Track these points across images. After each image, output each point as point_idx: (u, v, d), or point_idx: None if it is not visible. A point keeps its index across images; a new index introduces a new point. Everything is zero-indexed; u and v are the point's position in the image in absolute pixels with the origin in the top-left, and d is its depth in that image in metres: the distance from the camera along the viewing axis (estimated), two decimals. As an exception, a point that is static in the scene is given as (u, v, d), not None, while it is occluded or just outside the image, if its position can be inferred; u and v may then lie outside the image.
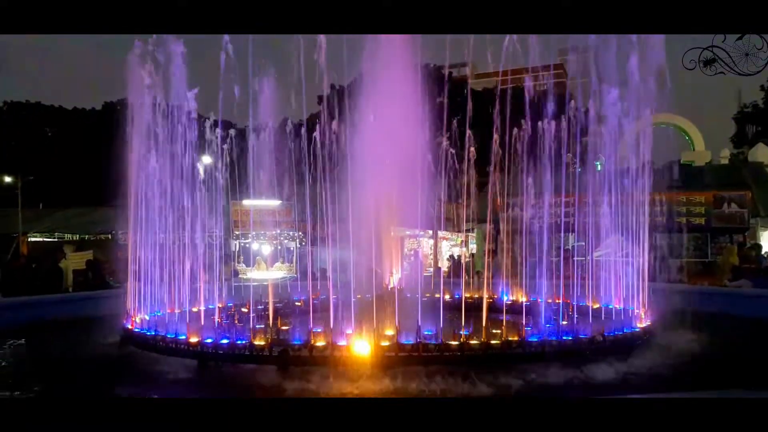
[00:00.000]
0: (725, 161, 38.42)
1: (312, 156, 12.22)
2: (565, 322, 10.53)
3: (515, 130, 12.79)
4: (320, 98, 12.23)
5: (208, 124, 12.97)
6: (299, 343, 8.97)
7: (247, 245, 31.06)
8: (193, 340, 9.48)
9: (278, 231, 29.21)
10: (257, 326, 9.82)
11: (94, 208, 38.19)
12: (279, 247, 30.95)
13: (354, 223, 10.89)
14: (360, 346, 8.73)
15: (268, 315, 10.42)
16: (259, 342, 9.07)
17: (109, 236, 32.92)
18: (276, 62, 12.59)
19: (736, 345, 10.46)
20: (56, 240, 36.78)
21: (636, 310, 11.46)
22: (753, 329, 11.68)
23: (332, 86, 12.09)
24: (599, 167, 13.26)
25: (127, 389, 8.33)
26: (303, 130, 13.19)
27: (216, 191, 13.46)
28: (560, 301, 12.34)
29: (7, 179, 49.46)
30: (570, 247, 16.85)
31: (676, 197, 24.69)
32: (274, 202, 27.25)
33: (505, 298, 12.77)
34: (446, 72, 12.99)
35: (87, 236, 35.91)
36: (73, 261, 23.61)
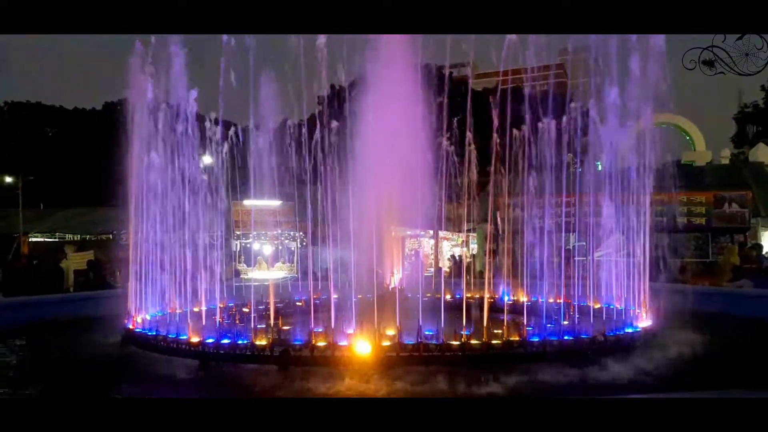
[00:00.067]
0: (726, 161, 38.37)
1: (312, 156, 12.22)
2: (566, 322, 10.54)
3: (515, 130, 12.79)
4: (320, 98, 12.21)
5: (208, 124, 12.96)
6: (300, 343, 8.98)
7: (248, 245, 31.09)
8: (195, 340, 9.49)
9: (279, 231, 29.23)
10: (258, 326, 9.84)
11: (94, 208, 38.18)
12: (280, 247, 30.98)
13: (355, 223, 10.90)
14: (361, 346, 8.74)
15: (269, 315, 10.43)
16: (260, 342, 9.08)
17: (110, 236, 32.94)
18: (276, 62, 12.59)
19: (736, 345, 10.45)
20: (57, 240, 36.77)
21: (637, 310, 11.46)
22: (754, 329, 11.66)
23: (332, 86, 12.08)
24: (600, 167, 13.25)
25: (128, 389, 8.33)
26: (304, 130, 13.18)
27: (217, 191, 13.46)
28: (561, 301, 12.34)
29: (8, 179, 49.49)
30: (571, 247, 16.85)
31: (677, 197, 24.64)
32: (275, 202, 27.26)
33: (506, 298, 12.77)
34: (446, 72, 12.97)
35: (88, 236, 35.92)
36: (74, 261, 23.61)
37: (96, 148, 43.32)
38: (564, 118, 12.49)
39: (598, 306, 12.17)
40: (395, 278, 12.96)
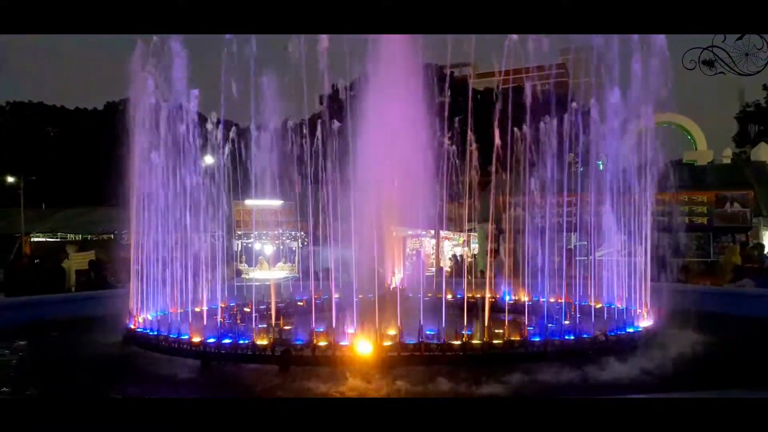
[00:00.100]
0: (727, 161, 38.32)
1: (314, 156, 12.23)
2: (567, 322, 10.54)
3: (517, 129, 12.79)
4: (321, 98, 12.21)
5: (209, 123, 12.96)
6: (301, 343, 8.98)
7: (250, 245, 31.08)
8: (196, 339, 9.50)
9: (280, 231, 29.23)
10: (259, 326, 9.85)
11: (96, 208, 38.25)
12: (281, 247, 30.97)
13: (356, 222, 10.90)
14: (362, 345, 8.74)
15: (270, 315, 10.44)
16: (261, 342, 9.09)
17: (112, 236, 32.96)
18: (277, 62, 12.59)
19: (737, 345, 10.45)
20: (59, 240, 36.80)
21: (638, 310, 11.46)
22: (755, 329, 11.66)
23: (333, 86, 12.08)
24: (601, 167, 13.25)
25: (129, 389, 8.34)
26: (304, 130, 13.18)
27: (218, 191, 13.46)
28: (562, 300, 12.35)
29: (10, 179, 49.54)
30: (572, 247, 16.84)
31: (678, 197, 24.63)
32: (276, 202, 27.25)
33: (507, 297, 12.78)
34: (447, 72, 12.98)
35: (89, 236, 35.95)
36: (76, 261, 23.61)
37: (97, 148, 43.41)
38: (565, 118, 12.49)
39: (599, 306, 12.16)
40: (396, 278, 12.95)
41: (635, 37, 11.23)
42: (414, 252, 23.52)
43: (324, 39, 10.71)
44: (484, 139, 12.02)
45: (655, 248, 12.24)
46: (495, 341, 9.02)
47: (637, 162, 12.10)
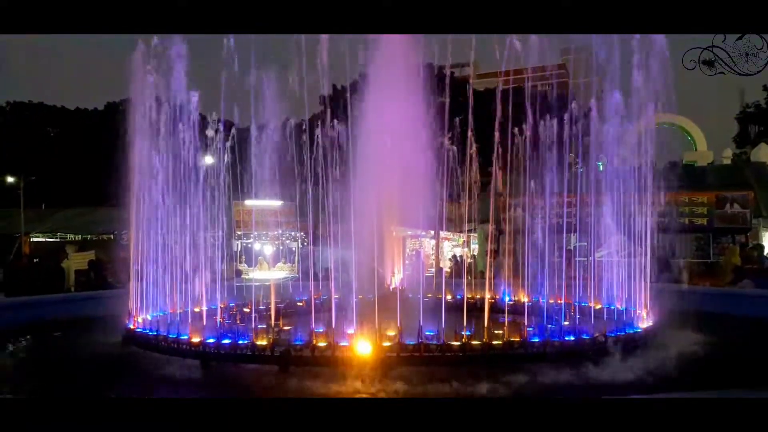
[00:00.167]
0: (728, 161, 38.37)
1: (314, 156, 12.23)
2: (567, 323, 10.53)
3: (517, 130, 12.80)
4: (322, 98, 12.21)
5: (210, 123, 12.96)
6: (301, 343, 8.98)
7: (249, 245, 31.10)
8: (195, 340, 9.50)
9: (280, 231, 29.23)
10: (259, 326, 9.85)
11: (95, 208, 38.24)
12: (281, 248, 30.98)
13: (356, 223, 10.90)
14: (362, 346, 8.73)
15: (270, 315, 10.44)
16: (260, 342, 9.08)
17: (111, 236, 32.98)
18: (277, 62, 12.61)
19: (736, 345, 10.45)
20: (58, 240, 36.81)
21: (638, 311, 11.46)
22: (754, 329, 11.66)
23: (334, 86, 12.09)
24: (601, 167, 13.26)
25: (129, 389, 8.34)
26: (305, 130, 13.18)
27: (218, 191, 13.46)
28: (562, 301, 12.34)
29: (10, 179, 49.52)
30: (572, 248, 16.85)
31: (679, 197, 24.65)
32: (276, 202, 27.26)
33: (507, 298, 12.78)
34: (448, 72, 12.98)
35: (89, 236, 35.96)
36: (76, 261, 23.63)
37: (97, 148, 43.34)
38: (566, 118, 12.49)
39: (599, 306, 12.16)
40: (396, 278, 12.96)
41: (635, 37, 11.23)
42: (414, 252, 23.54)
43: (324, 39, 10.72)
44: (484, 140, 12.03)
45: (655, 249, 12.23)
46: (494, 342, 9.02)
47: (637, 163, 12.10)
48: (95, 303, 14.65)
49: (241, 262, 29.66)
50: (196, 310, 11.65)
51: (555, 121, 12.54)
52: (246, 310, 12.35)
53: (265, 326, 9.88)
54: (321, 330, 9.30)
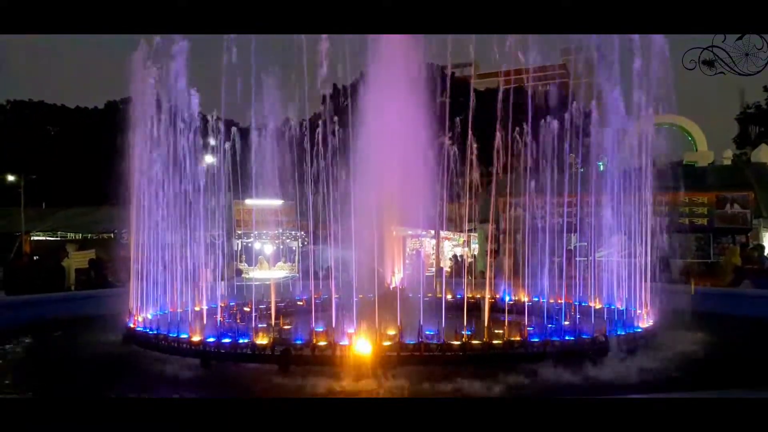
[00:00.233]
0: (728, 162, 38.31)
1: (314, 155, 12.23)
2: (567, 323, 10.53)
3: (518, 130, 12.79)
4: (323, 97, 12.21)
5: (210, 123, 12.96)
6: (301, 343, 8.98)
7: (250, 244, 31.12)
8: (196, 339, 9.50)
9: (280, 230, 29.25)
10: (259, 325, 9.84)
11: (96, 207, 38.22)
12: (281, 247, 31.00)
13: (356, 222, 10.90)
14: (362, 345, 8.73)
15: (270, 314, 10.43)
16: (261, 341, 9.08)
17: (112, 235, 32.99)
18: (278, 62, 12.60)
19: (736, 345, 10.46)
20: (59, 239, 36.83)
21: (638, 311, 11.45)
22: (754, 329, 11.67)
23: (335, 86, 12.08)
24: (602, 167, 13.26)
25: (129, 388, 8.34)
26: (305, 129, 13.18)
27: (218, 190, 13.47)
28: (562, 301, 12.34)
29: (10, 178, 49.55)
30: (572, 248, 16.84)
31: (679, 198, 24.65)
32: (277, 202, 27.28)
33: (507, 298, 12.77)
34: (448, 72, 12.99)
35: (89, 235, 36.00)
36: (76, 260, 23.64)
37: (98, 147, 43.39)
38: (566, 118, 12.49)
39: (599, 306, 12.16)
40: (396, 278, 12.96)
41: (635, 37, 11.22)
42: (414, 252, 23.54)
43: (324, 39, 10.72)
44: (484, 140, 12.03)
45: (655, 249, 12.23)
46: (495, 341, 9.02)
47: (638, 163, 12.10)
48: (95, 302, 14.67)
49: (241, 262, 29.69)
50: (197, 309, 11.64)
51: (555, 121, 12.53)
52: (246, 309, 12.35)
53: (265, 325, 9.87)
54: (321, 329, 9.31)
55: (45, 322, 12.76)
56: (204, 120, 12.50)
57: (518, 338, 9.15)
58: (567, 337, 9.44)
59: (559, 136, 12.45)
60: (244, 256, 30.52)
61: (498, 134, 11.62)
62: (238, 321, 10.81)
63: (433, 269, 20.42)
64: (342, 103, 11.81)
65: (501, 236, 18.99)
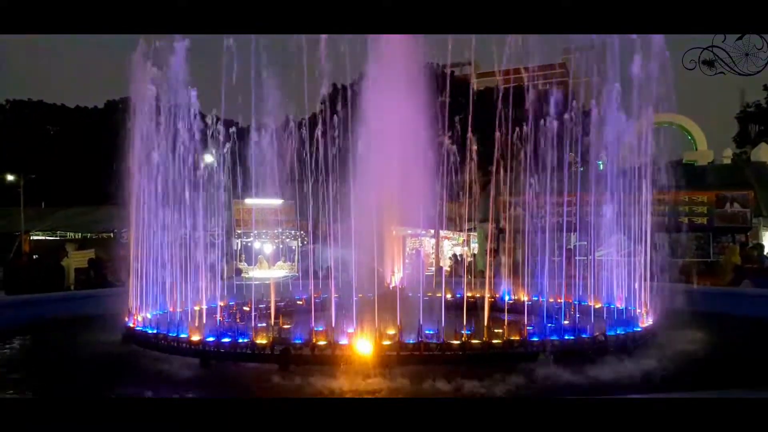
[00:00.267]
0: (728, 161, 38.36)
1: (314, 155, 12.22)
2: (566, 322, 10.53)
3: (517, 129, 12.80)
4: (322, 97, 12.21)
5: (210, 122, 12.96)
6: (301, 342, 8.98)
7: (249, 244, 31.11)
8: (195, 338, 9.49)
9: (280, 230, 29.25)
10: (259, 325, 9.84)
11: (96, 206, 38.21)
12: (281, 246, 31.00)
13: (356, 222, 10.90)
14: (361, 345, 8.73)
15: (269, 314, 10.43)
16: (260, 341, 9.08)
17: (111, 235, 33.00)
18: (278, 61, 12.59)
19: (736, 345, 10.46)
20: (58, 238, 36.83)
21: (638, 310, 11.46)
22: (754, 329, 11.67)
23: (334, 85, 12.08)
24: (601, 166, 13.25)
25: (129, 388, 8.35)
26: (305, 129, 13.18)
27: (218, 190, 13.47)
28: (562, 300, 12.34)
29: (10, 178, 49.55)
30: (572, 247, 16.84)
31: (679, 197, 24.67)
32: (276, 201, 27.28)
33: (506, 297, 12.77)
34: (448, 71, 12.98)
35: (89, 235, 36.00)
36: (75, 259, 23.66)
37: (97, 147, 43.39)
38: (566, 117, 12.49)
39: (598, 305, 12.16)
40: (396, 277, 12.95)
41: (635, 37, 11.22)
42: (414, 251, 23.53)
43: (324, 39, 10.72)
44: (484, 139, 12.03)
45: (655, 248, 12.23)
46: (494, 341, 9.02)
47: (638, 162, 12.10)
48: (95, 301, 14.68)
49: (240, 261, 29.69)
50: (196, 308, 11.64)
51: (555, 121, 12.52)
52: (246, 308, 12.35)
53: (264, 325, 9.87)
54: (321, 329, 9.31)
55: (44, 321, 12.75)
56: (203, 120, 12.50)
57: (518, 338, 9.15)
58: (567, 337, 9.44)
59: (559, 135, 12.45)
60: (243, 256, 30.52)
61: (497, 133, 11.62)
62: (238, 320, 10.81)
63: (433, 269, 20.43)
64: (341, 102, 11.81)
65: (500, 235, 19.01)
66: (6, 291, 17.61)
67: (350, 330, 9.15)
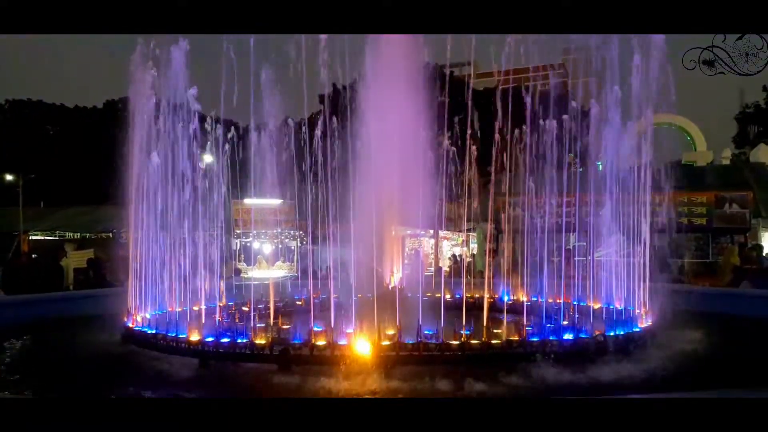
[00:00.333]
0: (727, 161, 38.43)
1: (313, 155, 12.22)
2: (566, 322, 10.53)
3: (516, 129, 12.80)
4: (321, 97, 12.21)
5: (209, 122, 12.96)
6: (300, 342, 8.98)
7: (248, 244, 31.09)
8: (194, 338, 9.49)
9: (279, 230, 29.24)
10: (258, 325, 9.84)
11: (95, 206, 38.27)
12: (280, 246, 30.98)
13: (355, 222, 10.90)
14: (361, 345, 8.73)
15: (268, 314, 10.43)
16: (259, 341, 9.08)
17: (110, 235, 33.01)
18: (277, 61, 12.59)
19: (736, 345, 10.45)
20: (57, 238, 36.85)
21: (637, 310, 11.46)
22: (754, 329, 11.66)
23: (334, 85, 12.09)
24: (600, 167, 13.26)
25: (128, 388, 8.34)
26: (305, 129, 13.18)
27: (217, 190, 13.46)
28: (561, 301, 12.34)
29: (9, 178, 49.56)
30: (571, 247, 16.84)
31: (678, 197, 24.68)
32: (275, 201, 27.27)
33: (506, 297, 12.77)
34: (447, 71, 12.98)
35: (88, 235, 36.03)
36: (74, 259, 23.66)
37: (97, 147, 43.42)
38: (565, 118, 12.49)
39: (598, 306, 12.16)
40: (395, 277, 12.95)
41: (635, 37, 11.22)
42: (413, 251, 23.53)
43: (324, 39, 10.72)
44: (483, 139, 12.03)
45: (654, 249, 12.23)
46: (493, 341, 9.02)
47: (637, 162, 12.10)
48: (94, 301, 14.65)
49: (240, 261, 29.67)
50: (195, 308, 11.64)
51: (554, 121, 12.53)
52: (245, 308, 12.35)
53: (264, 325, 9.87)
54: (320, 329, 9.30)
55: (43, 321, 12.74)
56: (203, 119, 12.49)
57: (517, 338, 9.15)
58: (566, 337, 9.44)
59: (558, 135, 12.45)
60: (242, 256, 30.50)
61: (497, 134, 11.63)
62: (237, 320, 10.80)
63: (432, 269, 20.42)
64: (341, 102, 11.81)
65: (499, 236, 19.01)
66: (5, 291, 17.59)
67: (349, 330, 9.15)
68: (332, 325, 9.28)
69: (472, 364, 8.61)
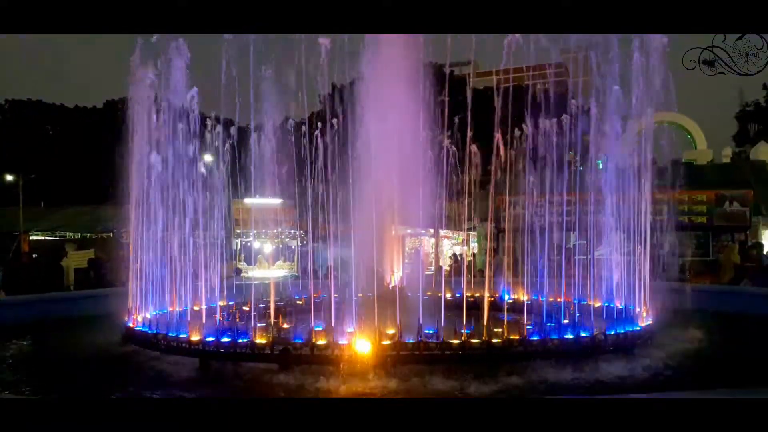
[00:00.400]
0: (727, 160, 38.38)
1: (313, 155, 12.22)
2: (566, 321, 10.53)
3: (517, 128, 12.79)
4: (320, 97, 12.21)
5: (209, 122, 12.96)
6: (300, 342, 8.97)
7: (249, 244, 31.11)
8: (195, 338, 9.49)
9: (279, 229, 29.25)
10: (258, 325, 9.84)
11: (95, 206, 38.25)
12: (280, 246, 31.00)
13: (355, 221, 10.90)
14: (361, 344, 8.73)
15: (269, 313, 10.43)
16: (260, 340, 9.08)
17: (111, 235, 33.00)
18: (277, 61, 12.59)
19: (736, 343, 10.46)
20: (58, 238, 36.85)
21: (637, 309, 11.46)
22: (754, 328, 11.66)
23: (333, 85, 12.08)
24: (600, 166, 13.25)
25: (128, 388, 8.35)
26: (305, 128, 13.17)
27: (217, 190, 13.46)
28: (561, 299, 12.34)
29: (9, 178, 49.57)
30: (571, 246, 16.84)
31: (678, 196, 24.67)
32: (276, 201, 27.27)
33: (506, 296, 12.76)
34: (447, 70, 12.97)
35: (88, 235, 36.03)
36: (75, 259, 23.67)
37: (97, 147, 43.43)
38: (565, 117, 12.48)
39: (598, 305, 12.16)
40: (395, 277, 12.94)
41: (635, 37, 11.22)
42: (413, 251, 23.53)
43: (324, 39, 10.71)
44: (484, 138, 12.02)
45: (654, 247, 12.23)
46: (494, 340, 9.02)
47: (637, 161, 12.10)
48: (94, 301, 14.67)
49: (240, 261, 29.70)
50: (196, 308, 11.63)
51: (554, 120, 12.52)
52: (245, 308, 12.36)
53: (264, 325, 9.87)
54: (320, 328, 9.30)
55: (44, 321, 12.75)
56: (203, 119, 12.49)
57: (517, 337, 9.15)
58: (566, 336, 9.44)
59: (558, 134, 12.45)
60: (243, 255, 30.53)
61: (497, 133, 11.62)
62: (237, 320, 10.80)
63: (433, 268, 20.41)
64: (341, 102, 11.81)
65: (500, 235, 19.01)
66: (5, 291, 17.60)
67: (350, 330, 9.15)
68: (333, 324, 9.28)
69: (473, 363, 8.61)
